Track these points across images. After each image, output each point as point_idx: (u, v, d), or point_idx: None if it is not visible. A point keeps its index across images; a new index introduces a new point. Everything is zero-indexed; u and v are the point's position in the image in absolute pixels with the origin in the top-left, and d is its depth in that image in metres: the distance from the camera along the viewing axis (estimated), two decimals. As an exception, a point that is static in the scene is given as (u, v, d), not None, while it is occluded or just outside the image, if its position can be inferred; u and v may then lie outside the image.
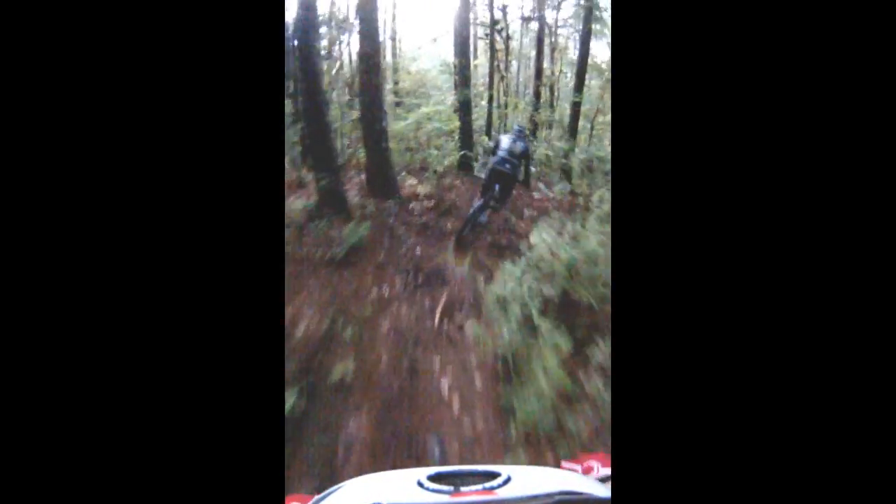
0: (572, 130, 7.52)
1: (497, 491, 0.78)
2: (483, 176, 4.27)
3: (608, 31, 7.37)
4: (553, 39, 8.66)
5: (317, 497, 0.85)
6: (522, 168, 4.28)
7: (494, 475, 0.82)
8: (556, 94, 9.08)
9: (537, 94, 8.21)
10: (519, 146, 4.17)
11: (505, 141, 4.25)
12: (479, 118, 7.78)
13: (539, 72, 8.08)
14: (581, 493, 0.79)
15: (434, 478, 0.83)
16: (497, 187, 4.14)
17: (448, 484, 0.81)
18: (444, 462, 1.50)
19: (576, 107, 7.46)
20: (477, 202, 4.28)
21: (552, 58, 8.69)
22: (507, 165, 4.12)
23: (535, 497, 0.73)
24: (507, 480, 0.81)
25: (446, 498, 0.77)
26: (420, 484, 0.81)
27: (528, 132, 4.80)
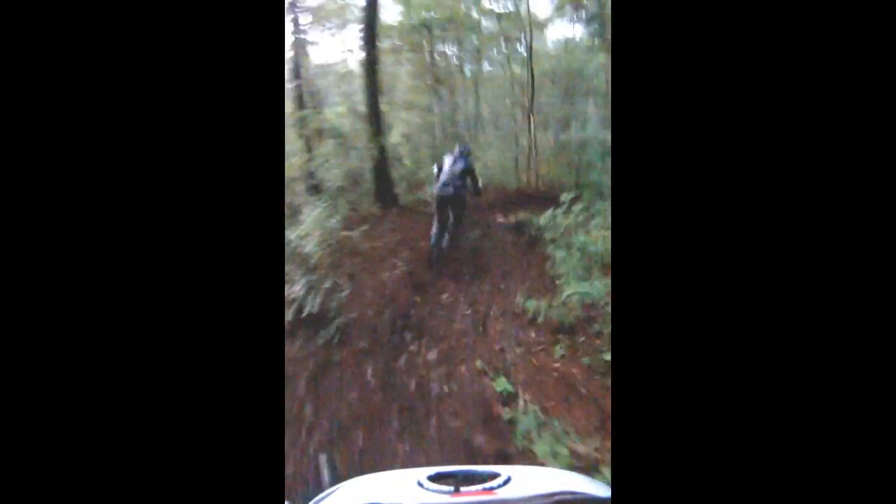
0: (375, 127, 5.83)
1: (497, 491, 0.75)
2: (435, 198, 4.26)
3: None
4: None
5: (317, 497, 0.83)
6: (468, 184, 4.35)
7: (494, 475, 0.79)
8: (322, 95, 7.15)
9: (300, 100, 6.20)
10: (459, 166, 4.21)
11: (446, 163, 4.29)
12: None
13: (297, 71, 6.05)
14: (581, 493, 0.77)
15: (434, 478, 0.79)
16: (447, 213, 4.22)
17: (448, 484, 0.77)
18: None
19: (372, 97, 5.82)
20: (434, 228, 4.24)
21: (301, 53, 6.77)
22: (450, 189, 4.12)
23: (535, 497, 0.72)
24: (508, 480, 0.78)
25: (446, 498, 0.74)
26: (420, 484, 0.78)
27: (468, 150, 4.53)
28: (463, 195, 4.25)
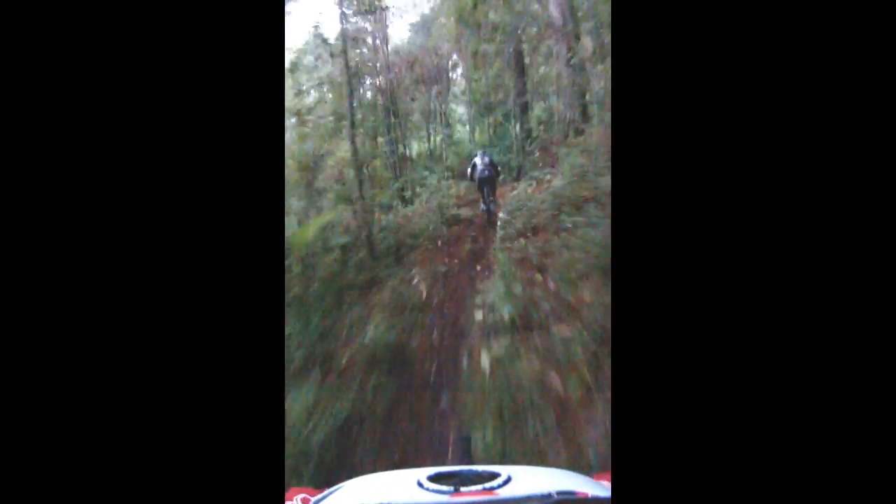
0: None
1: (497, 491, 0.80)
2: (476, 183, 6.79)
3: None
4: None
5: (317, 497, 0.87)
6: (495, 169, 6.86)
7: (494, 475, 0.84)
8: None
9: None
10: (487, 159, 6.65)
11: (478, 159, 6.66)
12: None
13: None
14: (581, 493, 0.80)
15: (434, 478, 0.83)
16: (486, 189, 6.65)
17: (448, 484, 0.81)
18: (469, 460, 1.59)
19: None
20: (482, 202, 6.82)
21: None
22: (486, 172, 6.58)
23: (536, 497, 0.75)
24: (508, 480, 0.82)
25: (446, 498, 0.78)
26: (420, 484, 0.82)
27: (486, 150, 7.51)
28: (494, 175, 6.79)
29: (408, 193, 9.13)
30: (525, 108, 11.22)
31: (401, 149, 11.58)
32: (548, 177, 8.11)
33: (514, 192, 8.24)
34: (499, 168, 7.24)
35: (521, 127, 10.83)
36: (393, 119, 10.56)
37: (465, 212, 7.61)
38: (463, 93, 12.10)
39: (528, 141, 9.37)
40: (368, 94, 10.95)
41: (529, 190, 7.77)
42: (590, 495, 0.81)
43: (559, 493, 0.76)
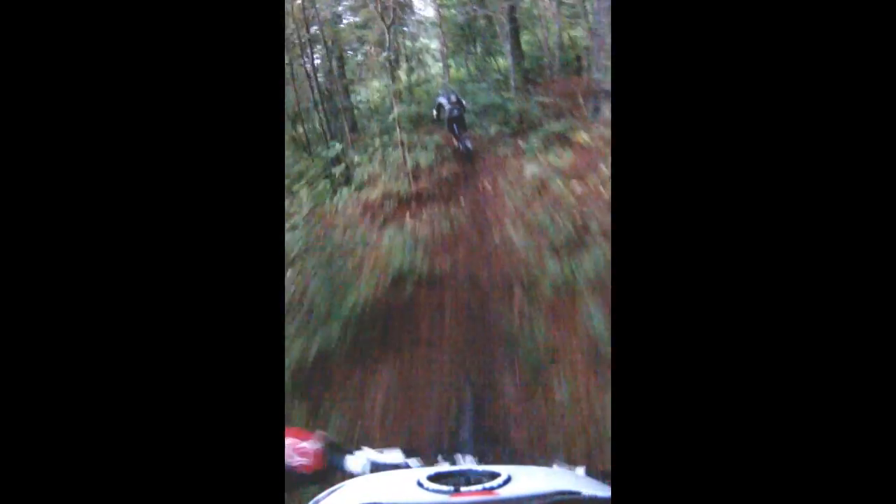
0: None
1: (498, 491, 0.74)
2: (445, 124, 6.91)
3: None
4: None
5: (317, 497, 0.80)
6: (462, 105, 7.02)
7: (495, 475, 0.78)
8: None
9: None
10: (453, 97, 6.76)
11: (444, 99, 6.79)
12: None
13: None
14: (581, 493, 0.76)
15: (434, 478, 0.78)
16: (456, 127, 6.82)
17: (448, 484, 0.76)
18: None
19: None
20: (455, 140, 6.87)
21: None
22: (455, 111, 6.71)
23: (536, 497, 0.72)
24: (508, 480, 0.76)
25: (446, 498, 0.73)
26: (420, 484, 0.77)
27: (449, 88, 7.55)
28: (462, 112, 6.87)
29: (339, 168, 5.72)
30: (517, 34, 8.36)
31: (355, 96, 8.77)
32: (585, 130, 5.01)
33: (531, 172, 4.74)
34: (464, 103, 7.12)
35: (515, 57, 8.00)
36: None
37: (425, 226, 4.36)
38: (433, 24, 9.73)
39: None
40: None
41: (565, 159, 4.56)
42: (589, 495, 0.75)
43: (559, 493, 0.72)
